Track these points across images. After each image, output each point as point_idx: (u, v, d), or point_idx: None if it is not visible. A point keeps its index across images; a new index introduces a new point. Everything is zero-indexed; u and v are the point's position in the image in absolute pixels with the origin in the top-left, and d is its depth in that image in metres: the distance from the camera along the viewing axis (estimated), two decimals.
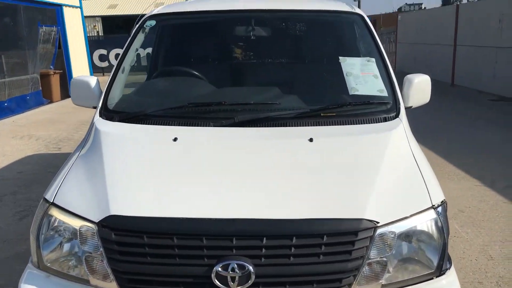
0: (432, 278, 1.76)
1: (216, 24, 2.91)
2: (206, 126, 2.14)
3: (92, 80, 2.58)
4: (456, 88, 12.69)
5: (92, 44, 18.22)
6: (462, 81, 12.63)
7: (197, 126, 2.14)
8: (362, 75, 2.48)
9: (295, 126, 2.14)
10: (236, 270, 1.57)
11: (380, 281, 1.69)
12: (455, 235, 3.80)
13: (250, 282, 1.58)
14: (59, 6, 12.45)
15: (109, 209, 1.70)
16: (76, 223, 1.74)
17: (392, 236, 1.70)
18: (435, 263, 1.77)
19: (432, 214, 1.79)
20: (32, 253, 1.83)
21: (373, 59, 2.57)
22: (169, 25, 3.05)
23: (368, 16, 2.90)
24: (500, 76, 10.73)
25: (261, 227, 1.62)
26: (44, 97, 11.54)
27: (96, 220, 1.69)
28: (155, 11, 2.89)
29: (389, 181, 1.85)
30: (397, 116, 2.29)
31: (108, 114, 2.32)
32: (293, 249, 1.61)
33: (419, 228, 1.76)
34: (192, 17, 2.85)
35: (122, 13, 33.82)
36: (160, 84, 2.74)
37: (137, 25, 2.81)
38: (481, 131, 7.42)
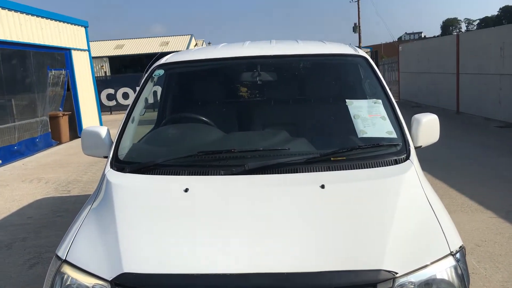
0: None
1: (223, 71, 2.97)
2: (216, 174, 2.14)
3: (103, 131, 2.61)
4: (462, 116, 12.69)
5: (100, 83, 18.63)
6: (467, 108, 12.65)
7: (208, 175, 2.15)
8: (369, 117, 2.49)
9: (305, 171, 2.14)
10: None
11: None
12: (473, 271, 3.70)
13: None
14: (68, 50, 12.80)
15: (122, 267, 1.68)
16: (89, 281, 1.72)
17: (412, 286, 1.66)
18: None
19: (451, 261, 1.76)
20: None
21: (380, 101, 2.59)
22: (177, 73, 3.11)
23: (369, 47, 2.94)
24: (505, 103, 10.74)
25: (275, 282, 1.59)
26: (53, 138, 11.69)
27: (109, 278, 1.67)
28: (163, 61, 2.96)
29: (404, 229, 1.82)
30: (407, 157, 2.28)
31: (119, 165, 2.33)
32: None
33: (439, 276, 1.72)
34: (199, 65, 2.91)
35: (128, 53, 34.66)
36: (169, 132, 2.76)
37: (146, 75, 2.87)
38: (492, 159, 7.36)
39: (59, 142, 11.90)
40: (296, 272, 1.61)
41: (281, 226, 1.83)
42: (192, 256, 1.72)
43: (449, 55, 13.45)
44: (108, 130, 2.65)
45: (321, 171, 2.14)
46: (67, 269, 1.79)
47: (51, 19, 12.00)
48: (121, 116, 2.69)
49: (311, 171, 2.14)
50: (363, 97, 2.74)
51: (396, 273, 1.64)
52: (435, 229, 1.86)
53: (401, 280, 1.64)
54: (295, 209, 1.92)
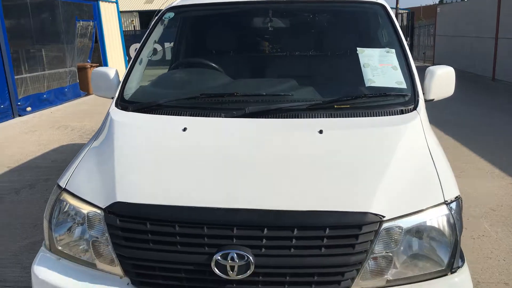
0: (442, 276, 1.70)
1: (234, 15, 2.90)
2: (217, 116, 2.14)
3: (111, 72, 2.63)
4: (497, 83, 12.15)
5: (129, 38, 18.67)
6: (504, 75, 12.07)
7: (208, 116, 2.14)
8: (380, 67, 2.40)
9: (306, 117, 2.10)
10: (236, 259, 1.56)
11: (386, 276, 1.64)
12: (484, 234, 3.65)
13: (249, 272, 1.57)
14: (96, 1, 12.80)
15: (115, 196, 1.73)
16: (85, 208, 1.78)
17: (399, 231, 1.64)
18: (446, 260, 1.70)
19: (444, 210, 1.72)
20: (45, 237, 1.90)
21: (393, 50, 2.49)
22: (188, 17, 3.06)
23: (407, 9, 2.81)
24: None
25: (262, 218, 1.61)
26: (81, 89, 11.93)
27: (103, 206, 1.73)
28: (174, 4, 2.91)
29: (399, 175, 1.79)
30: (415, 108, 2.20)
31: (123, 104, 2.36)
32: (294, 240, 1.59)
33: (429, 224, 1.69)
34: (210, 9, 2.85)
35: (159, 8, 34.42)
36: (176, 75, 2.76)
37: (156, 17, 2.84)
38: None
39: (87, 93, 12.13)
40: (284, 209, 1.62)
41: (273, 167, 1.82)
42: (182, 189, 1.74)
43: (488, 18, 12.74)
44: (116, 71, 2.66)
45: (323, 117, 2.10)
46: (66, 197, 1.86)
47: None
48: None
49: (311, 117, 2.10)
50: (377, 46, 2.64)
51: (383, 217, 1.62)
52: (432, 178, 1.81)
53: (388, 224, 1.63)
54: (289, 151, 1.90)
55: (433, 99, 2.52)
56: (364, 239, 1.59)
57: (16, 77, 9.19)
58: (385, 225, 1.63)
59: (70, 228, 1.82)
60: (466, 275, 1.75)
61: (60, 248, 1.83)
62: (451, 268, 1.71)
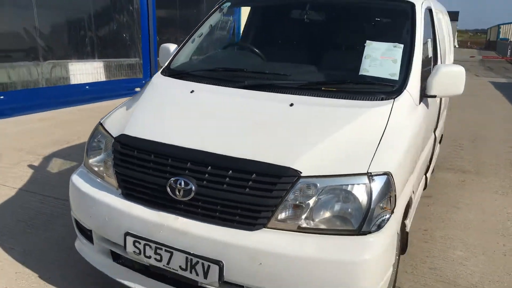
0: (351, 235, 1.94)
1: (276, 8, 3.34)
2: (222, 86, 2.63)
3: (172, 47, 3.31)
4: None
5: None
6: None
7: (216, 85, 2.65)
8: (380, 59, 2.60)
9: (292, 94, 2.46)
10: (183, 185, 2.06)
11: (298, 222, 1.95)
12: None
13: (190, 196, 2.05)
14: None
15: (123, 130, 2.37)
16: (106, 137, 2.46)
17: (314, 187, 1.94)
18: (356, 223, 1.94)
19: (364, 179, 1.96)
20: (84, 156, 2.64)
21: (401, 45, 2.65)
22: (252, 7, 3.59)
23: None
24: None
25: (208, 158, 2.07)
26: None
27: (114, 136, 2.38)
28: None
29: (335, 144, 2.06)
30: (394, 98, 2.38)
31: (165, 71, 3.00)
32: (227, 179, 2.01)
33: (345, 188, 1.95)
34: (257, 1, 3.33)
35: None
36: (217, 54, 3.31)
37: (216, 5, 3.43)
38: None
39: None
40: (223, 154, 2.06)
41: (238, 124, 2.27)
42: (167, 131, 2.30)
43: None
44: (176, 47, 3.32)
45: (305, 95, 2.43)
46: (100, 129, 2.57)
47: None
48: None
49: (296, 94, 2.45)
50: (394, 41, 2.79)
51: (300, 173, 1.94)
52: (367, 153, 2.04)
53: (304, 180, 1.94)
54: (258, 116, 2.31)
55: (435, 95, 2.62)
56: (280, 188, 1.94)
57: None
58: (301, 180, 1.94)
59: (96, 150, 2.53)
60: (376, 240, 1.95)
61: (89, 164, 2.54)
62: (359, 230, 1.94)
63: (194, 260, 2.02)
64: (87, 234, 2.50)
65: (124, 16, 10.26)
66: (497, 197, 4.66)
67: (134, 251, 2.18)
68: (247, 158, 2.02)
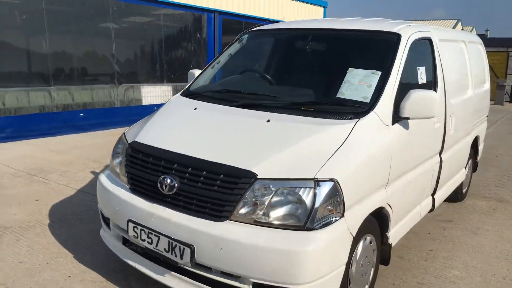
0: (298, 230, 2.29)
1: (286, 39, 3.80)
2: (222, 104, 3.12)
3: (197, 72, 3.88)
4: None
5: None
6: None
7: (217, 104, 3.15)
8: (358, 84, 2.93)
9: (275, 113, 2.87)
10: (168, 181, 2.55)
11: (253, 217, 2.34)
12: None
13: (173, 191, 2.53)
14: None
15: (136, 138, 2.94)
16: (125, 144, 3.05)
17: (269, 188, 2.33)
18: (302, 221, 2.29)
19: (310, 184, 2.31)
20: (110, 159, 3.25)
21: (379, 73, 2.96)
22: (260, 38, 4.09)
23: None
24: None
25: (188, 161, 2.55)
26: None
27: (129, 141, 2.96)
28: (253, 29, 3.99)
29: (295, 153, 2.45)
30: (360, 117, 2.69)
31: (184, 92, 3.57)
32: (202, 178, 2.47)
33: (294, 190, 2.31)
34: (272, 33, 3.82)
35: None
36: (231, 79, 3.81)
37: (237, 37, 3.97)
38: None
39: None
40: (200, 158, 2.53)
41: (219, 135, 2.74)
42: (165, 139, 2.82)
43: None
44: (200, 72, 3.89)
45: (285, 114, 2.83)
46: (122, 137, 3.17)
47: None
48: None
49: (279, 113, 2.86)
50: (376, 68, 3.07)
51: (257, 175, 2.34)
52: (320, 162, 2.38)
53: (261, 182, 2.33)
54: (237, 129, 2.76)
55: (408, 117, 2.88)
56: (240, 187, 2.35)
57: None
58: (258, 181, 2.34)
59: (118, 154, 3.12)
60: (317, 237, 2.27)
61: (112, 165, 3.14)
62: (304, 227, 2.28)
63: (174, 243, 2.49)
64: (107, 222, 3.08)
65: (192, 44, 11.28)
66: None
67: (134, 235, 2.70)
68: (218, 162, 2.47)
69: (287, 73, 3.63)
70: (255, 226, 2.35)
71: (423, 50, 3.52)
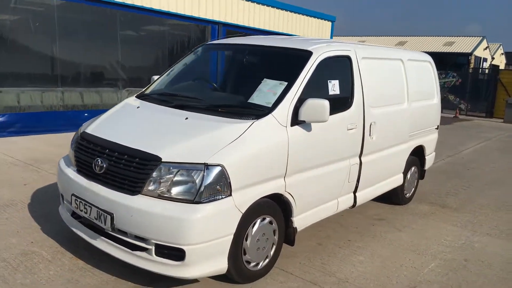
0: (189, 203, 2.92)
1: (230, 53, 4.50)
2: (160, 104, 3.80)
3: (156, 77, 4.58)
4: None
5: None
6: None
7: (157, 104, 3.83)
8: (266, 92, 3.56)
9: (197, 112, 3.52)
10: (99, 163, 3.23)
11: (157, 191, 2.99)
12: None
13: (103, 170, 3.21)
14: None
15: (86, 128, 3.65)
16: (78, 133, 3.76)
17: (171, 169, 2.97)
18: (193, 196, 2.92)
19: (201, 167, 2.95)
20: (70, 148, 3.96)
21: (285, 83, 3.57)
22: (212, 51, 4.78)
23: None
24: None
25: (114, 147, 3.23)
26: None
27: (79, 132, 3.67)
28: (206, 43, 4.68)
29: (196, 143, 3.09)
30: (258, 118, 3.31)
31: (139, 94, 4.26)
32: (123, 161, 3.14)
33: (189, 172, 2.96)
34: (223, 47, 4.53)
35: (458, 50, 36.77)
36: (177, 85, 4.47)
37: (193, 49, 4.66)
38: None
39: None
40: (124, 145, 3.20)
41: (145, 128, 3.44)
42: (104, 129, 3.51)
43: None
44: (156, 79, 4.58)
45: (203, 113, 3.48)
46: (79, 130, 3.88)
47: (297, 12, 14.71)
48: None
49: (199, 112, 3.51)
50: (286, 79, 3.67)
51: (160, 159, 3.00)
52: (213, 150, 3.01)
53: (165, 164, 2.98)
54: (161, 123, 3.44)
55: (304, 121, 3.48)
56: (149, 168, 3.01)
57: None
58: (162, 164, 2.99)
59: (72, 143, 3.82)
60: (204, 208, 2.90)
61: (70, 152, 3.84)
62: (193, 200, 2.92)
63: (100, 212, 3.16)
64: (62, 198, 3.78)
65: None
66: (451, 228, 5.03)
67: (75, 206, 3.39)
68: (134, 147, 3.15)
69: (225, 81, 4.33)
70: (158, 199, 2.99)
71: (340, 66, 4.11)
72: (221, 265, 3.09)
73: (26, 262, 3.52)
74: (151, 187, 3.02)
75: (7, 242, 3.85)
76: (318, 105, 3.42)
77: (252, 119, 3.33)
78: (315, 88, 3.71)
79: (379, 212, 5.37)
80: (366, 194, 4.68)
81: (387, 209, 5.54)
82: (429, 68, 5.89)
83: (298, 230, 3.75)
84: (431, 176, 7.24)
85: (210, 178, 2.94)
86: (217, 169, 2.96)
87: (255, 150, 3.19)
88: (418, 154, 5.75)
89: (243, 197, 3.12)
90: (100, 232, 3.30)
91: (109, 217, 3.09)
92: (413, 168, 5.72)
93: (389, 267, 3.91)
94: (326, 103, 3.42)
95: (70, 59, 9.70)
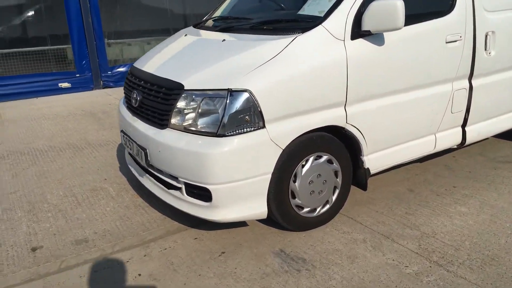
0: (212, 136, 2.49)
1: None
2: (207, 30, 3.37)
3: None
4: None
5: None
6: None
7: (204, 30, 3.40)
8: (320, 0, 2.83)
9: (239, 33, 3.00)
10: (135, 96, 2.99)
11: (183, 124, 2.61)
12: None
13: (137, 104, 2.96)
14: None
15: (135, 63, 3.43)
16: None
17: (194, 97, 2.56)
18: (216, 127, 2.48)
19: (224, 94, 2.46)
20: None
21: None
22: None
23: None
24: None
25: (146, 77, 2.93)
26: None
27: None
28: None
29: (223, 67, 2.60)
30: (304, 32, 2.63)
31: (195, 23, 3.88)
32: (153, 91, 2.83)
33: (213, 100, 2.51)
34: None
35: None
36: (235, 7, 3.90)
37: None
38: None
39: None
40: (156, 75, 2.87)
41: (181, 56, 3.04)
42: (149, 61, 3.21)
43: None
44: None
45: (247, 33, 2.93)
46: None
47: None
48: None
49: (241, 33, 2.98)
50: None
51: (183, 86, 2.58)
52: (240, 74, 2.48)
53: (188, 92, 2.56)
54: (197, 49, 3.03)
55: (369, 31, 2.68)
56: (173, 98, 2.64)
57: None
58: (185, 92, 2.58)
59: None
60: (228, 141, 2.44)
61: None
62: (216, 133, 2.47)
63: (138, 148, 2.94)
64: None
65: None
66: None
67: (124, 142, 3.26)
68: (162, 76, 2.79)
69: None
70: (185, 133, 2.63)
71: None
72: (258, 208, 2.64)
73: (91, 198, 3.58)
74: (177, 119, 2.66)
75: (84, 179, 3.99)
76: (387, 7, 2.57)
77: (298, 33, 2.67)
78: None
79: (509, 153, 4.19)
80: (481, 129, 3.63)
81: None
82: None
83: (372, 172, 3.05)
84: None
85: (234, 107, 2.45)
86: (243, 95, 2.44)
87: (297, 72, 2.55)
88: None
89: (283, 130, 2.56)
90: (145, 169, 3.12)
91: (143, 153, 2.86)
92: None
93: (500, 222, 2.96)
94: (399, 3, 2.55)
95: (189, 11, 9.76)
